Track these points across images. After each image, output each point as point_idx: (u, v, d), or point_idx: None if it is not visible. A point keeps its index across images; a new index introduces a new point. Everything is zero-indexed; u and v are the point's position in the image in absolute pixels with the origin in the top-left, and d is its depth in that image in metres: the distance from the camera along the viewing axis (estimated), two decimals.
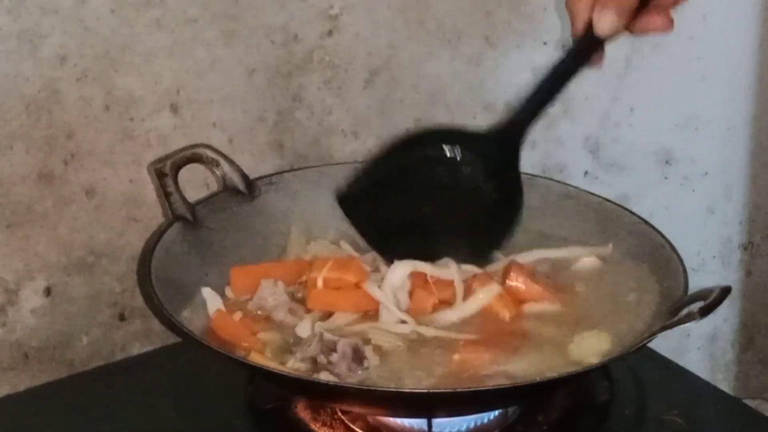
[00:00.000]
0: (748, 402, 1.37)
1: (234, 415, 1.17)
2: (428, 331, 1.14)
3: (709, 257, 1.72)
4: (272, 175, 1.31)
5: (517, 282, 1.18)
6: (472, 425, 1.13)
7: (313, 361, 1.09)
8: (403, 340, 1.13)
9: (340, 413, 1.15)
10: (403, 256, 1.17)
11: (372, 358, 1.10)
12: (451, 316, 1.16)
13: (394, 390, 1.06)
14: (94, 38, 1.24)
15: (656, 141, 1.62)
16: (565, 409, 1.17)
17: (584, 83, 1.52)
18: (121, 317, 1.34)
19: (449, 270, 1.18)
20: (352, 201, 1.21)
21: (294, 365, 1.09)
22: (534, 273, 1.21)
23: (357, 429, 1.14)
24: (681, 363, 1.30)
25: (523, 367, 1.09)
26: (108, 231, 1.31)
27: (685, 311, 1.08)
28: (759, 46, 1.62)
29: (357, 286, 1.16)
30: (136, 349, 1.35)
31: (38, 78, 1.23)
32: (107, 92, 1.27)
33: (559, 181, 1.36)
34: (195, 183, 1.30)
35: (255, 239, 1.26)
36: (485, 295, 1.17)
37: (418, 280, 1.17)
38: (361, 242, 1.23)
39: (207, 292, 1.18)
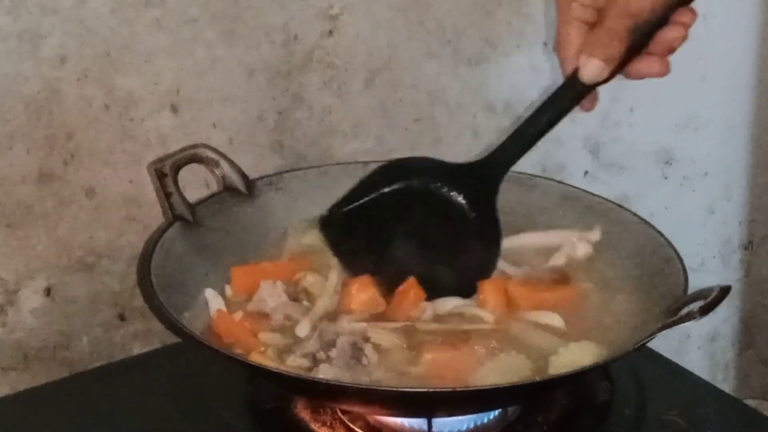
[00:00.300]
0: (749, 402, 1.37)
1: (234, 415, 1.17)
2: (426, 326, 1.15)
3: (709, 257, 1.72)
4: (272, 175, 1.31)
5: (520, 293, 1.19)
6: (472, 425, 1.13)
7: (313, 357, 1.09)
8: (404, 339, 1.13)
9: (340, 413, 1.15)
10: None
11: (371, 356, 1.10)
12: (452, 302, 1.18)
13: (394, 390, 1.06)
14: (94, 38, 1.24)
15: (656, 141, 1.62)
16: (565, 409, 1.17)
17: None
18: (121, 317, 1.34)
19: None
20: (334, 226, 1.21)
21: (294, 362, 1.09)
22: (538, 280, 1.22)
23: (357, 429, 1.14)
24: (681, 363, 1.30)
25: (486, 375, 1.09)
26: (108, 231, 1.31)
27: (685, 311, 1.08)
28: (759, 46, 1.62)
29: None
30: (136, 349, 1.35)
31: (38, 78, 1.23)
32: (107, 92, 1.27)
33: (559, 181, 1.36)
34: (195, 183, 1.30)
35: (255, 239, 1.26)
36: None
37: None
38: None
39: (209, 293, 1.18)
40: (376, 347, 1.11)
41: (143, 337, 1.36)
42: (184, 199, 1.22)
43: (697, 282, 1.13)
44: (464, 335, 1.13)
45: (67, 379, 1.29)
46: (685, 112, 1.62)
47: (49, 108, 1.24)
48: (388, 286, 1.17)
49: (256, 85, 1.35)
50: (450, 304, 1.17)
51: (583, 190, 1.32)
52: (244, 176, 1.27)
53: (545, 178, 1.36)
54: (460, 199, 1.17)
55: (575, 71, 1.10)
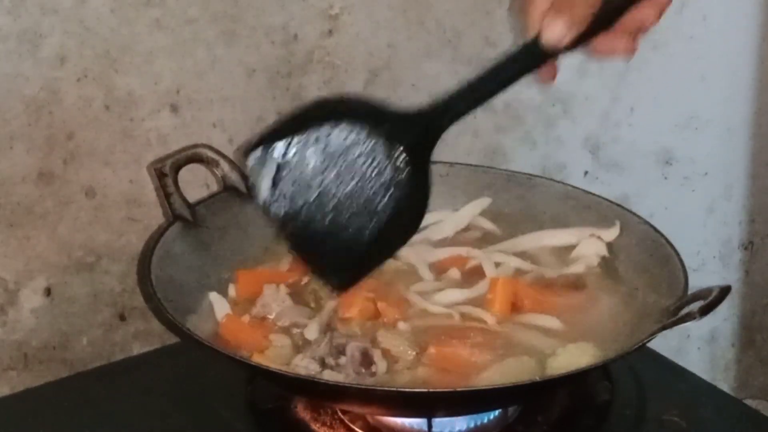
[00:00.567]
0: (749, 402, 1.37)
1: (234, 415, 1.17)
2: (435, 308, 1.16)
3: (709, 257, 1.72)
4: None
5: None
6: (472, 425, 1.13)
7: (322, 361, 1.09)
8: (413, 346, 1.13)
9: (340, 413, 1.15)
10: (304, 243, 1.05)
11: (380, 364, 1.10)
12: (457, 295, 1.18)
13: (394, 390, 1.06)
14: (94, 38, 1.24)
15: (656, 141, 1.62)
16: (565, 409, 1.17)
17: (584, 83, 1.53)
18: (121, 317, 1.34)
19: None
20: (256, 159, 1.05)
21: (301, 362, 1.09)
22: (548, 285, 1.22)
23: (357, 429, 1.14)
24: (681, 363, 1.30)
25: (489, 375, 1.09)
26: (108, 231, 1.31)
27: (685, 311, 1.08)
28: (759, 46, 1.62)
29: None
30: (136, 349, 1.35)
31: (38, 78, 1.23)
32: (107, 92, 1.27)
33: (559, 181, 1.36)
34: (195, 183, 1.30)
35: (255, 239, 1.26)
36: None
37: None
38: None
39: (214, 297, 1.18)
40: (386, 352, 1.11)
41: (143, 337, 1.35)
42: (184, 199, 1.22)
43: (697, 282, 1.13)
44: (465, 331, 1.14)
45: (67, 379, 1.29)
46: (685, 112, 1.62)
47: (49, 108, 1.24)
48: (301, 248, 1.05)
49: (256, 85, 1.35)
50: (448, 297, 1.18)
51: (583, 190, 1.32)
52: (244, 176, 1.27)
53: (545, 178, 1.36)
54: (397, 148, 1.02)
55: (537, 35, 1.02)
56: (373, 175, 1.02)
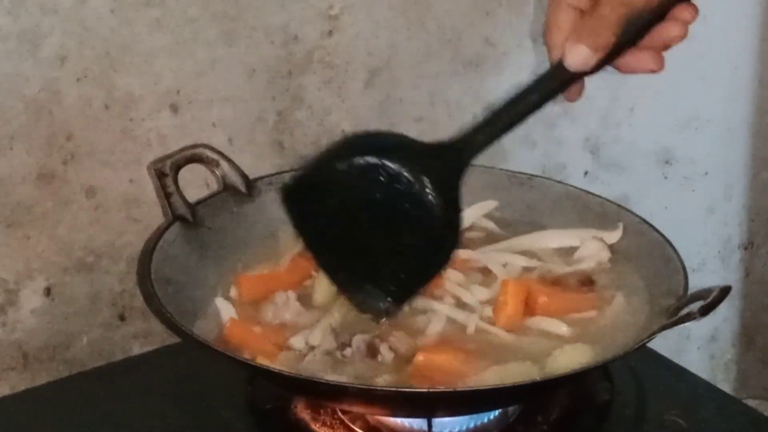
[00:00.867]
0: (749, 402, 1.37)
1: (234, 415, 1.17)
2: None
3: (709, 257, 1.72)
4: (272, 175, 1.31)
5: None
6: (472, 425, 1.13)
7: (329, 354, 1.10)
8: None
9: (340, 413, 1.15)
10: (335, 267, 1.09)
11: (386, 354, 1.10)
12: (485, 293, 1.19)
13: (394, 390, 1.06)
14: (94, 38, 1.24)
15: (656, 141, 1.62)
16: (565, 409, 1.17)
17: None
18: (121, 317, 1.34)
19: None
20: (296, 198, 1.08)
21: (310, 358, 1.10)
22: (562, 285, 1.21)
23: (357, 429, 1.14)
24: (681, 363, 1.30)
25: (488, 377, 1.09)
26: (108, 231, 1.31)
27: (685, 311, 1.08)
28: (759, 46, 1.62)
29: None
30: (136, 349, 1.35)
31: (38, 78, 1.23)
32: (107, 92, 1.27)
33: (559, 181, 1.36)
34: (195, 183, 1.30)
35: (255, 239, 1.26)
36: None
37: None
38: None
39: (219, 302, 1.18)
40: (393, 347, 1.11)
41: (143, 337, 1.36)
42: (184, 199, 1.23)
43: (697, 282, 1.13)
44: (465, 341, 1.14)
45: (67, 379, 1.29)
46: (685, 112, 1.62)
47: (49, 108, 1.24)
48: (343, 266, 1.08)
49: (256, 85, 1.35)
50: (478, 294, 1.19)
51: (583, 190, 1.32)
52: (244, 176, 1.27)
53: (545, 178, 1.36)
54: (425, 182, 1.03)
55: (561, 58, 1.03)
56: (407, 207, 1.03)
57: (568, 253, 1.26)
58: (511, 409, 1.15)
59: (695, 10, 1.05)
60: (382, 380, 1.08)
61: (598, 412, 1.19)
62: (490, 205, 1.31)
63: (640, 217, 1.26)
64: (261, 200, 1.28)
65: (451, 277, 1.21)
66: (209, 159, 1.25)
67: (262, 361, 1.10)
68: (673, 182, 1.65)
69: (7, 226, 1.25)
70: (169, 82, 1.29)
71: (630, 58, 1.05)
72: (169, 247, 1.19)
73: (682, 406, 1.19)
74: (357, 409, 1.13)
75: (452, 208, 1.04)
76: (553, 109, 1.53)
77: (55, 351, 1.31)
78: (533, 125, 1.52)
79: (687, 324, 1.05)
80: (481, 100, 1.49)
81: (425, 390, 1.06)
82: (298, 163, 1.37)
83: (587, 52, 1.02)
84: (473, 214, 1.30)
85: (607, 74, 1.53)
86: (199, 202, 1.25)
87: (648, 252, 1.22)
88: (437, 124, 1.47)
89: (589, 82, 1.52)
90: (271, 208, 1.28)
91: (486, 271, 1.23)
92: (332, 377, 1.08)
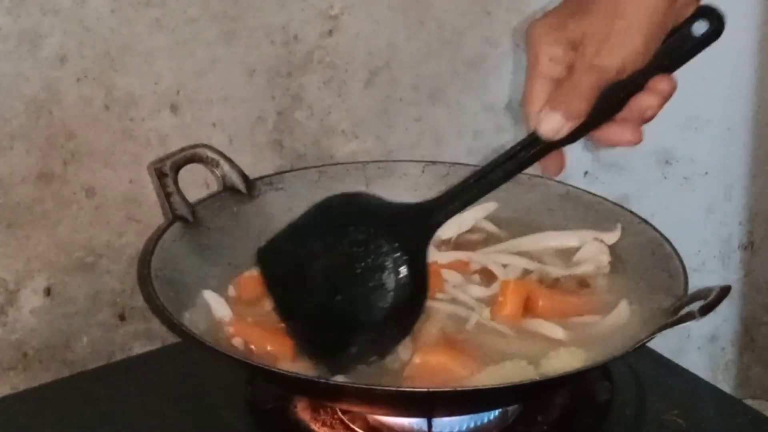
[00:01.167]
0: (749, 402, 1.37)
1: (234, 415, 1.17)
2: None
3: (709, 257, 1.72)
4: (272, 175, 1.31)
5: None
6: (472, 425, 1.13)
7: None
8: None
9: (340, 413, 1.15)
10: (303, 334, 1.11)
11: None
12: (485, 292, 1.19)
13: (394, 389, 1.06)
14: (94, 38, 1.24)
15: (656, 141, 1.62)
16: (565, 409, 1.17)
17: None
18: (121, 317, 1.34)
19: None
20: (269, 260, 1.13)
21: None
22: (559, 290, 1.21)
23: (357, 429, 1.14)
24: (681, 363, 1.30)
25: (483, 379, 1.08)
26: (108, 231, 1.31)
27: (685, 311, 1.08)
28: (759, 46, 1.62)
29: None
30: (136, 349, 1.35)
31: (38, 78, 1.23)
32: (107, 92, 1.27)
33: (559, 181, 1.35)
34: (195, 183, 1.30)
35: (255, 239, 1.26)
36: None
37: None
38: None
39: (209, 295, 1.17)
40: None
41: (143, 337, 1.36)
42: (184, 199, 1.23)
43: (697, 282, 1.13)
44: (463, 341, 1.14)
45: (67, 379, 1.29)
46: (685, 112, 1.62)
47: (49, 108, 1.24)
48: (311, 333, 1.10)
49: (256, 85, 1.35)
50: (475, 292, 1.20)
51: (583, 190, 1.32)
52: (244, 176, 1.27)
53: (545, 177, 1.36)
54: (394, 245, 1.07)
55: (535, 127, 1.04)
56: (376, 266, 1.07)
57: (567, 254, 1.26)
58: (511, 409, 1.15)
59: (672, 81, 1.05)
60: (382, 380, 1.08)
61: (598, 412, 1.19)
62: (491, 207, 1.31)
63: (640, 217, 1.26)
64: (261, 200, 1.28)
65: (450, 278, 1.21)
66: (209, 159, 1.25)
67: (283, 365, 1.10)
68: (673, 182, 1.65)
69: (7, 226, 1.25)
70: (169, 82, 1.29)
71: (608, 130, 1.04)
72: (169, 247, 1.19)
73: (682, 406, 1.19)
74: (357, 409, 1.13)
75: (419, 264, 1.08)
76: None
77: (55, 351, 1.31)
78: None
79: (687, 324, 1.05)
80: (481, 100, 1.49)
81: (425, 390, 1.06)
82: (298, 163, 1.38)
83: (560, 120, 1.02)
84: (474, 216, 1.30)
85: None
86: (199, 202, 1.25)
87: (648, 252, 1.22)
88: (437, 124, 1.47)
89: None
90: (271, 208, 1.28)
91: (486, 273, 1.23)
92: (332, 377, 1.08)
